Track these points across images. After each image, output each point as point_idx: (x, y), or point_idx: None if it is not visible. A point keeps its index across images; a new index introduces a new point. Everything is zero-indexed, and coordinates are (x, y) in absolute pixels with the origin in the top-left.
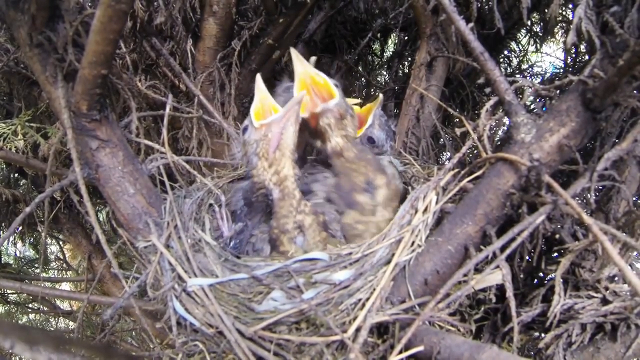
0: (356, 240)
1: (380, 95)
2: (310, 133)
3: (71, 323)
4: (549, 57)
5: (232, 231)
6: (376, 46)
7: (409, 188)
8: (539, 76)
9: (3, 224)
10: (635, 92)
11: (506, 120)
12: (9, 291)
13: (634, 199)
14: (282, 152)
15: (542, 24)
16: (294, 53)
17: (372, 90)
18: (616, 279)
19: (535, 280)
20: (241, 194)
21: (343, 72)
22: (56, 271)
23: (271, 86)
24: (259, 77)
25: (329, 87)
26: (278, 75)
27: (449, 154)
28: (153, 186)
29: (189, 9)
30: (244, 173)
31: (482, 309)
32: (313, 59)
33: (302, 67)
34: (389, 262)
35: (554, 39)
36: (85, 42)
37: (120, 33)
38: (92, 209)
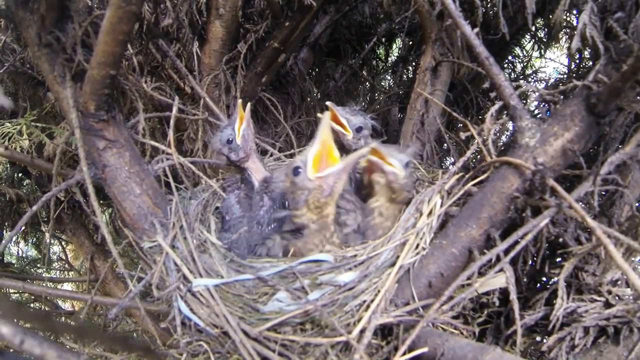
0: None
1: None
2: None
3: (73, 323)
4: (553, 62)
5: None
6: (381, 50)
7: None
8: (543, 82)
9: (6, 223)
10: (638, 97)
11: (510, 125)
12: (11, 290)
13: (637, 203)
14: (332, 197)
15: (546, 29)
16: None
17: (376, 94)
18: (619, 282)
19: (539, 283)
20: (235, 199)
21: (347, 76)
22: (58, 271)
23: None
24: (326, 116)
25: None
26: (283, 78)
27: (453, 158)
28: (159, 187)
29: (196, 12)
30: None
31: (485, 312)
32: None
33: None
34: (393, 264)
35: (558, 45)
36: (93, 43)
37: (129, 34)
38: (99, 209)
